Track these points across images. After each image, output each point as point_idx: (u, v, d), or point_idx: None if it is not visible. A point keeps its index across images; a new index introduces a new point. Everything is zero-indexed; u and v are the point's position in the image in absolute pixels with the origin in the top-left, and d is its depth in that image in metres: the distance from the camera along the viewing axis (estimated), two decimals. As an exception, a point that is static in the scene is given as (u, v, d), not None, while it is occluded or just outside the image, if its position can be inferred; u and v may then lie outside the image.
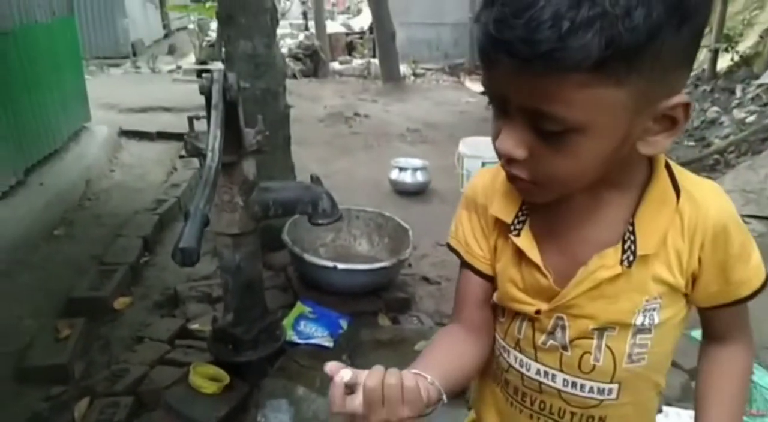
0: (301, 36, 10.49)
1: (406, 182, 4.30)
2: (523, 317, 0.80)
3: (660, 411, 1.88)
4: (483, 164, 3.83)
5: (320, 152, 5.28)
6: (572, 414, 0.80)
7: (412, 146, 5.71)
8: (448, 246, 0.89)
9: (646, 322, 0.74)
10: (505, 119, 0.66)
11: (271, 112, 2.82)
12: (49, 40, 4.30)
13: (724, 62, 6.40)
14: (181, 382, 2.03)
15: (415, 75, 10.12)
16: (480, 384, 0.93)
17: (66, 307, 2.57)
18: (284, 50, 8.90)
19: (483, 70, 0.65)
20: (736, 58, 6.25)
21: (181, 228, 1.28)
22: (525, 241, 0.77)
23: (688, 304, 0.78)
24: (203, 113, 1.79)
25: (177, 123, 5.14)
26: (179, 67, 9.28)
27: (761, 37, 6.45)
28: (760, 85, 5.76)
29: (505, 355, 0.84)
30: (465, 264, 0.86)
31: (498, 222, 0.81)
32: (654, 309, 0.74)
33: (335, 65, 10.38)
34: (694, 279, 0.75)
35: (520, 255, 0.78)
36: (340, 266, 2.50)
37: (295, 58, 9.54)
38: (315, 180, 2.06)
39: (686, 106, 0.64)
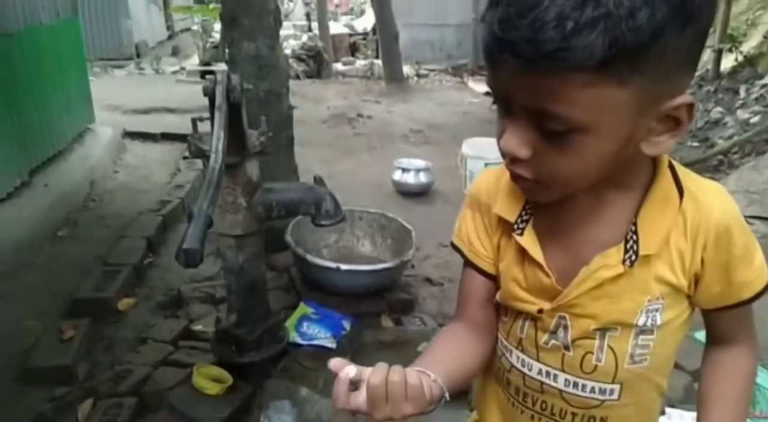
0: (305, 37, 10.51)
1: (409, 183, 4.30)
2: (525, 316, 0.80)
3: (663, 412, 1.88)
4: (486, 165, 3.82)
5: (323, 153, 5.28)
6: (573, 414, 0.80)
7: (415, 147, 5.71)
8: (452, 245, 0.90)
9: (649, 323, 0.74)
10: (510, 119, 0.66)
11: (275, 113, 2.83)
12: (53, 42, 4.31)
13: (727, 62, 6.38)
14: (184, 383, 2.04)
15: (419, 76, 10.11)
16: (482, 385, 0.93)
17: (70, 308, 2.58)
18: (287, 51, 8.92)
19: (487, 69, 0.65)
20: (740, 58, 6.23)
21: (184, 230, 1.28)
22: (528, 240, 0.77)
23: (691, 306, 0.77)
24: (207, 114, 1.80)
25: (181, 124, 5.16)
26: (183, 69, 9.32)
27: (765, 37, 6.43)
28: (764, 86, 5.74)
29: (508, 355, 0.84)
30: (468, 263, 0.87)
31: (501, 222, 0.82)
32: (656, 310, 0.74)
33: (338, 66, 10.39)
34: (696, 281, 0.75)
35: (523, 254, 0.78)
36: (343, 267, 2.50)
37: (299, 59, 9.56)
38: (318, 181, 2.07)
39: (690, 107, 0.64)
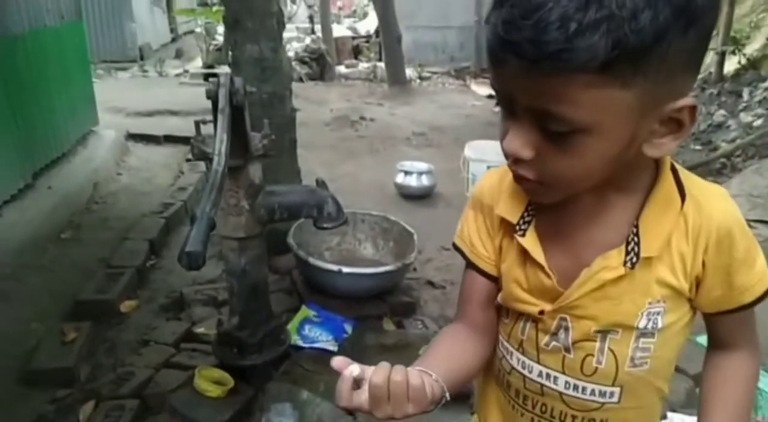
0: (308, 40, 10.54)
1: (412, 186, 4.30)
2: (526, 318, 0.81)
3: (664, 417, 1.87)
4: (488, 168, 3.82)
5: (326, 156, 5.28)
6: (573, 417, 0.80)
7: (417, 150, 5.71)
8: (453, 245, 0.90)
9: (650, 326, 0.74)
10: (513, 119, 0.66)
11: (278, 115, 2.83)
12: (57, 44, 4.33)
13: (731, 65, 6.37)
14: (186, 385, 2.04)
15: (421, 78, 10.13)
16: (483, 388, 0.93)
17: (72, 310, 2.58)
18: (291, 54, 8.95)
19: (492, 70, 0.65)
20: (744, 61, 6.22)
21: (187, 232, 1.28)
22: (530, 241, 0.77)
23: (692, 310, 0.77)
24: (210, 117, 1.80)
25: (184, 126, 5.17)
26: (186, 71, 9.34)
27: (769, 40, 6.42)
28: (767, 89, 5.73)
29: (508, 357, 0.84)
30: (469, 264, 0.87)
31: (504, 223, 0.82)
32: (658, 313, 0.73)
33: (341, 69, 10.41)
34: (697, 284, 0.75)
35: (524, 255, 0.78)
36: (345, 270, 2.50)
37: (302, 61, 9.58)
38: (320, 184, 2.07)
39: (692, 109, 0.64)
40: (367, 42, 11.88)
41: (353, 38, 12.16)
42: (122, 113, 6.23)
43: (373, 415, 0.67)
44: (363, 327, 2.48)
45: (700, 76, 6.21)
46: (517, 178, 0.72)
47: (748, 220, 0.77)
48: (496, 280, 0.85)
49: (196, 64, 9.87)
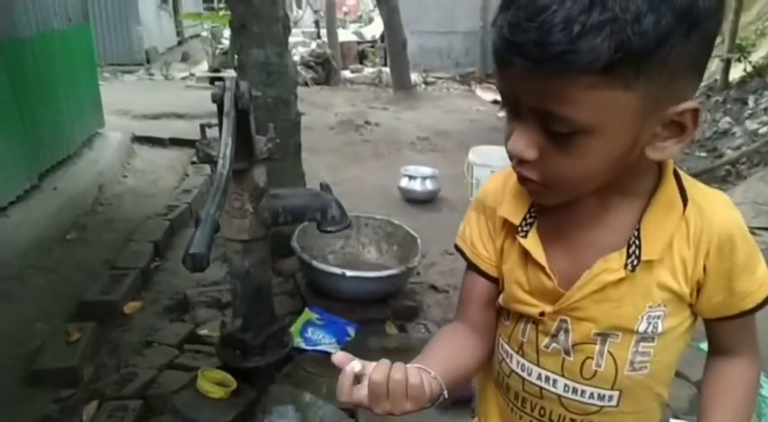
0: (313, 44, 10.58)
1: (416, 190, 4.30)
2: (527, 319, 0.81)
3: (667, 423, 1.86)
4: (492, 173, 3.82)
5: (330, 159, 5.29)
6: (572, 420, 0.80)
7: (421, 154, 5.72)
8: (455, 246, 0.90)
9: (650, 330, 0.74)
10: (518, 121, 0.67)
11: (283, 119, 2.84)
12: (64, 47, 4.36)
13: (736, 72, 6.35)
14: (189, 387, 2.04)
15: (426, 83, 10.15)
16: (483, 391, 0.93)
17: (77, 311, 2.59)
18: (296, 58, 8.98)
19: (497, 72, 0.66)
20: (749, 68, 6.20)
21: (191, 234, 1.29)
22: (531, 243, 0.78)
23: (693, 315, 0.77)
24: (215, 120, 1.81)
25: (189, 129, 5.20)
26: (192, 75, 9.39)
27: (774, 47, 6.41)
28: (773, 96, 5.72)
29: (508, 360, 0.84)
30: (470, 265, 0.87)
31: (506, 224, 0.82)
32: (658, 317, 0.74)
33: (347, 73, 10.45)
34: (698, 289, 0.75)
35: (526, 256, 0.79)
36: (349, 273, 2.50)
37: (307, 66, 9.61)
38: (324, 187, 2.07)
39: (695, 112, 0.64)
40: (373, 47, 11.92)
41: (359, 43, 12.21)
42: (128, 116, 6.26)
43: (372, 410, 0.68)
44: (366, 330, 2.48)
45: (705, 84, 6.22)
46: (521, 180, 0.72)
47: (752, 228, 0.77)
48: (496, 281, 0.85)
49: (202, 68, 9.93)
